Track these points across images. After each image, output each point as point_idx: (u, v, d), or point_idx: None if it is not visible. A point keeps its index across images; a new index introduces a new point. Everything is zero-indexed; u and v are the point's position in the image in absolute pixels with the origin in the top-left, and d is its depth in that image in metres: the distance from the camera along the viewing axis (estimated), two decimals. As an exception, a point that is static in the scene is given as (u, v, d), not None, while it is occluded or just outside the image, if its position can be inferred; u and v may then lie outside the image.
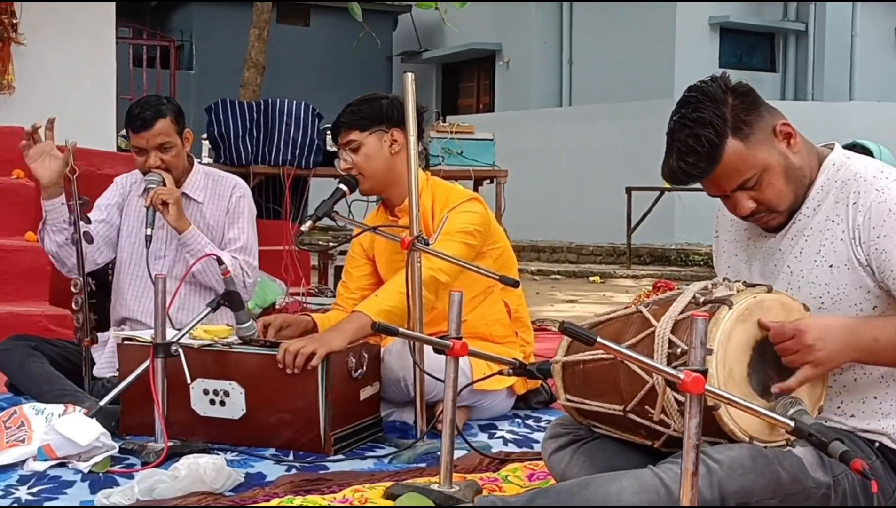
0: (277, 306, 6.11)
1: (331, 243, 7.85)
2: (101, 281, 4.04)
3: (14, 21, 8.82)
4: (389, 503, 2.53)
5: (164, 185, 3.63)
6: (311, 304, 6.32)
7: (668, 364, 2.07)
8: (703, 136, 2.18)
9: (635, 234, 12.80)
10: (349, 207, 3.65)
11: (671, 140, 2.24)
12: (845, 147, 2.69)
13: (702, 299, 2.17)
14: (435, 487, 2.53)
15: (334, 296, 4.99)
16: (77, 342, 3.67)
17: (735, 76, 2.36)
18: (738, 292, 2.16)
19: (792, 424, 1.95)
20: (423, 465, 2.96)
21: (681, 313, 2.16)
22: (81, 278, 3.58)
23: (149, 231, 3.57)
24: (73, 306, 3.59)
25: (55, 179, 3.54)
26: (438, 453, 2.62)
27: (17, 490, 2.63)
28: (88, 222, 3.59)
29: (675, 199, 12.85)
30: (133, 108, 3.85)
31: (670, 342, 2.13)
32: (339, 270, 6.98)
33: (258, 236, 4.02)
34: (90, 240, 3.59)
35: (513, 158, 9.31)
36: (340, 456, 3.05)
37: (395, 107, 3.47)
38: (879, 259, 2.17)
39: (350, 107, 3.56)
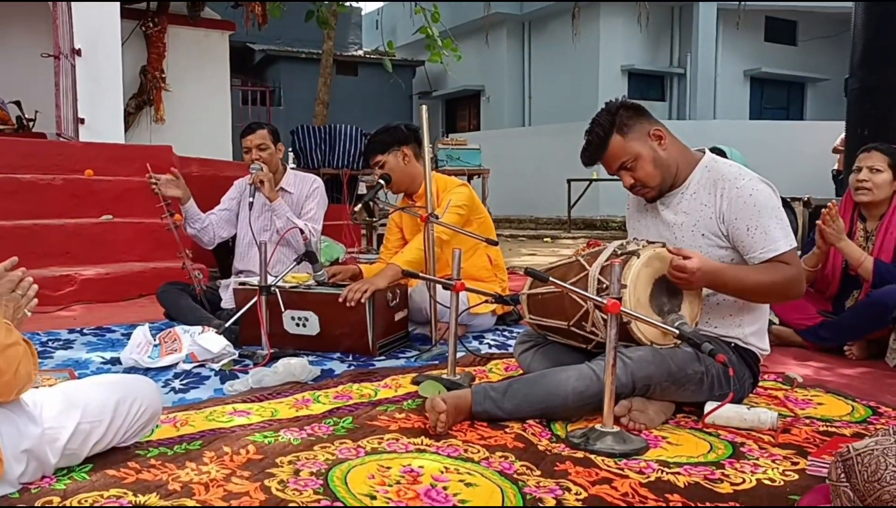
0: (340, 261, 6.09)
1: (374, 220, 7.81)
2: (223, 246, 4.06)
3: (164, 75, 8.77)
4: (414, 387, 2.53)
5: (262, 171, 3.66)
6: (362, 258, 6.30)
7: (598, 295, 2.06)
8: (595, 132, 2.26)
9: (573, 209, 12.73)
10: (385, 195, 3.63)
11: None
12: (709, 150, 2.65)
13: (620, 252, 2.16)
14: (445, 376, 2.53)
15: (377, 254, 4.98)
16: (192, 288, 3.73)
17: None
18: (643, 247, 2.15)
19: (677, 331, 1.96)
20: (437, 362, 2.95)
21: (606, 261, 2.15)
22: (183, 252, 3.77)
23: (250, 199, 3.69)
24: (182, 267, 3.77)
25: (178, 196, 3.67)
26: (446, 354, 2.61)
27: (173, 382, 2.64)
28: (176, 225, 3.69)
29: (600, 186, 12.76)
30: (247, 124, 3.94)
31: (598, 280, 2.13)
32: (380, 237, 6.98)
33: (328, 217, 4.06)
34: (177, 227, 3.69)
35: (492, 161, 9.24)
36: (382, 357, 3.05)
37: (399, 131, 3.45)
38: (734, 233, 2.18)
39: (372, 138, 3.53)
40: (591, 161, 2.30)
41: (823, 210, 3.09)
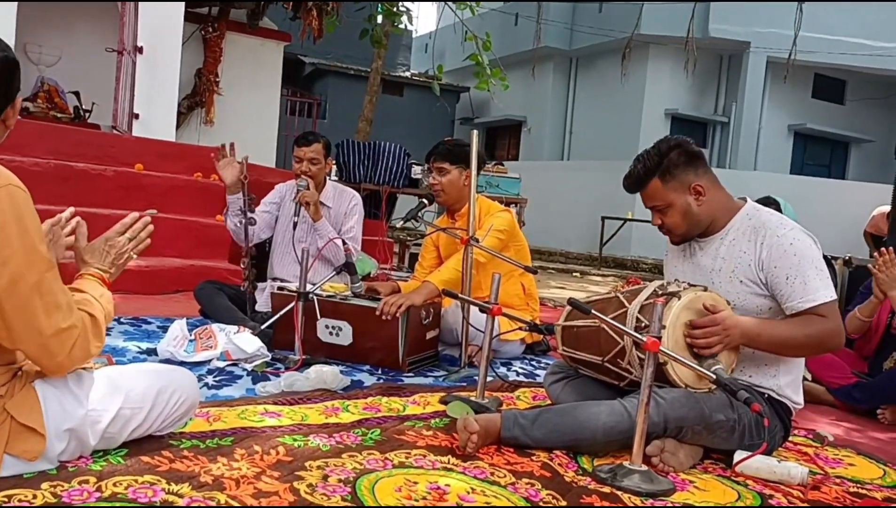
0: (371, 276, 6.11)
1: (408, 239, 7.86)
2: (260, 250, 4.09)
3: (217, 79, 8.96)
4: (442, 406, 2.53)
5: (309, 189, 3.68)
6: (393, 275, 6.33)
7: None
8: (638, 168, 2.28)
9: (605, 247, 12.71)
10: (423, 214, 3.64)
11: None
12: (761, 199, 2.65)
13: (660, 292, 2.15)
14: (473, 398, 2.53)
15: (409, 272, 5.01)
16: (243, 289, 3.76)
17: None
18: (684, 289, 2.14)
19: (713, 376, 1.94)
20: (464, 384, 2.95)
21: (646, 299, 2.15)
22: (247, 249, 3.72)
23: (295, 219, 3.66)
24: (241, 265, 3.73)
25: (234, 182, 3.62)
26: (474, 377, 2.62)
27: (206, 378, 2.67)
28: (252, 211, 3.68)
29: (633, 226, 12.71)
30: (305, 133, 3.95)
31: (637, 318, 2.12)
32: (413, 255, 7.01)
33: (364, 231, 4.08)
34: (253, 223, 3.67)
35: (528, 192, 9.25)
36: (412, 374, 3.06)
37: (467, 154, 3.47)
38: (773, 282, 2.16)
39: (447, 144, 3.54)
40: (629, 191, 2.36)
41: (877, 255, 3.04)
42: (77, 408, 1.65)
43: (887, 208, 6.21)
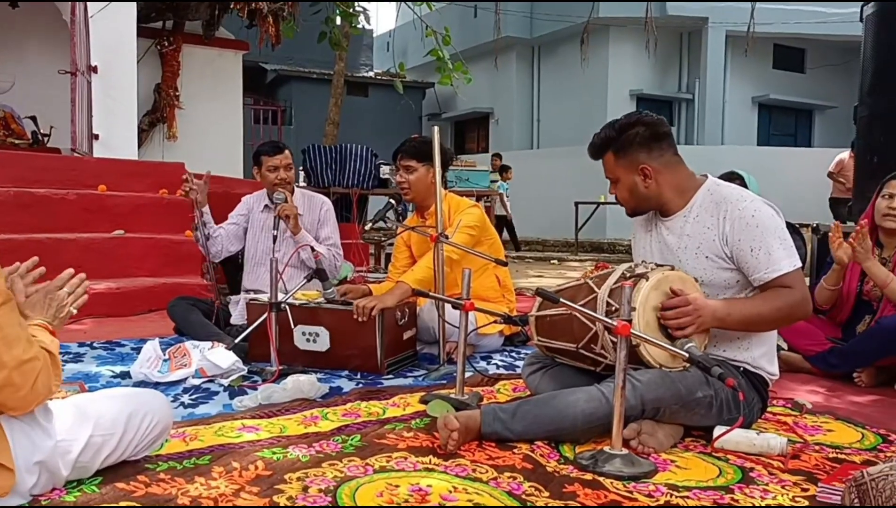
0: (348, 279, 6.09)
1: (383, 239, 7.84)
2: (234, 262, 4.05)
3: (177, 93, 8.86)
4: (422, 406, 2.52)
5: (287, 202, 3.62)
6: (370, 277, 6.31)
7: (606, 317, 2.06)
8: (598, 138, 2.32)
9: (581, 232, 12.75)
10: (395, 214, 3.63)
11: None
12: (725, 175, 2.66)
13: (628, 275, 2.15)
14: (453, 396, 2.53)
15: (385, 273, 5.00)
16: (213, 302, 3.73)
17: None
18: (651, 270, 2.15)
19: (687, 355, 1.95)
20: (444, 382, 2.94)
21: (615, 283, 2.15)
22: (210, 263, 3.74)
23: (275, 233, 3.51)
24: (206, 280, 3.71)
25: (200, 201, 3.59)
26: (454, 374, 2.61)
27: (182, 397, 2.64)
28: (208, 232, 3.68)
29: (607, 209, 12.78)
30: (270, 143, 3.93)
31: (607, 303, 2.13)
32: (388, 256, 7.00)
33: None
34: (208, 238, 3.68)
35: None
36: (391, 376, 3.04)
37: (441, 150, 3.45)
38: (738, 255, 2.17)
39: (414, 142, 3.53)
40: (591, 157, 2.39)
41: (856, 227, 3.08)
42: (45, 440, 1.61)
43: (849, 152, 6.28)
